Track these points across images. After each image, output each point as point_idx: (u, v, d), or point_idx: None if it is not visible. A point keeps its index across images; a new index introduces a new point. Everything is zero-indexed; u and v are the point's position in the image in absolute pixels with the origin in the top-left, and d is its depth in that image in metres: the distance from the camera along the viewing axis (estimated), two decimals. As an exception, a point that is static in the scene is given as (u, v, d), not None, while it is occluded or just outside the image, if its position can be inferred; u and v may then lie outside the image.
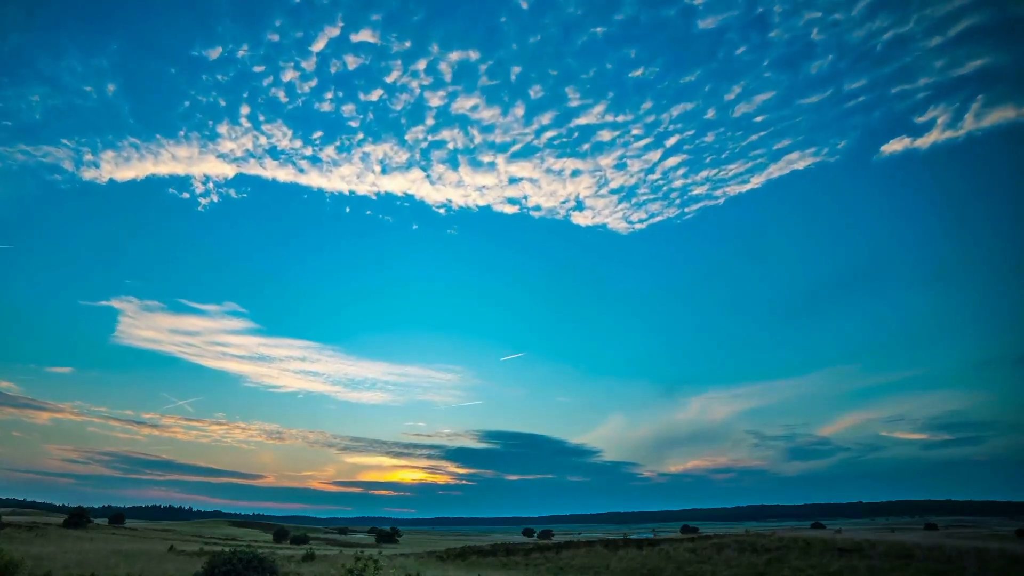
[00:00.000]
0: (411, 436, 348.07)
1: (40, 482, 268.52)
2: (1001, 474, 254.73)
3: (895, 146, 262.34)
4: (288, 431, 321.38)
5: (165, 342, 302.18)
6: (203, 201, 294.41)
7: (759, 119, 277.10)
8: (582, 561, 31.88)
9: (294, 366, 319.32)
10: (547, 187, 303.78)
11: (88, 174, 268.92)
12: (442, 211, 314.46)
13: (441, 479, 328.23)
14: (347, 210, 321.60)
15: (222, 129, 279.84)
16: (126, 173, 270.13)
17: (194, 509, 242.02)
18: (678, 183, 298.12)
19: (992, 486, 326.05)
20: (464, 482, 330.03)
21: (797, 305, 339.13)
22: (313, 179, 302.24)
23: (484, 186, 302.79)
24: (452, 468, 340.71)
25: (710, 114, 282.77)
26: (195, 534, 62.57)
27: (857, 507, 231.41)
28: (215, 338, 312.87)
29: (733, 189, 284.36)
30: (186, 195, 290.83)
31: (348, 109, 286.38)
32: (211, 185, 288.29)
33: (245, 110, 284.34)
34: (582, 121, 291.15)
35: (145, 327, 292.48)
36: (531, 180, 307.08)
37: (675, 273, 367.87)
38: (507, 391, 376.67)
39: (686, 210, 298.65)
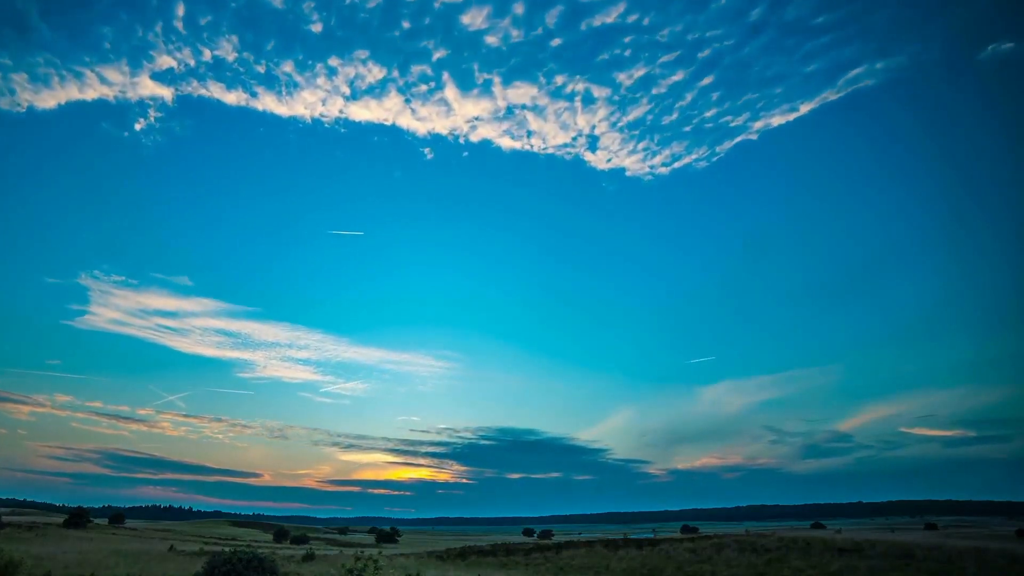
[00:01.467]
0: (406, 432, 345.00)
1: (29, 481, 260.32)
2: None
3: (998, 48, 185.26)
4: (282, 427, 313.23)
5: (138, 325, 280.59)
6: (146, 140, 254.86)
7: (819, 20, 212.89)
8: (582, 561, 31.87)
9: (281, 353, 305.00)
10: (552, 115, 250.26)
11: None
12: (428, 152, 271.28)
13: (440, 477, 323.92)
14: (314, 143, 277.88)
15: (154, 38, 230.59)
16: (46, 101, 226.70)
17: (193, 509, 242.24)
18: (711, 112, 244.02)
19: (1013, 486, 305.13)
20: (464, 480, 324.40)
21: (838, 278, 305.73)
22: (270, 104, 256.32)
23: (478, 116, 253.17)
24: (452, 466, 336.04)
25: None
26: (195, 534, 62.57)
27: (857, 507, 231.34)
28: (195, 323, 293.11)
29: (777, 119, 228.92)
30: (126, 133, 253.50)
31: (307, 6, 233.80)
32: (152, 117, 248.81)
33: (180, 10, 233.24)
34: (596, 22, 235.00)
35: (115, 308, 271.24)
36: (534, 109, 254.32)
37: (694, 233, 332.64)
38: (505, 381, 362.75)
39: (717, 148, 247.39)
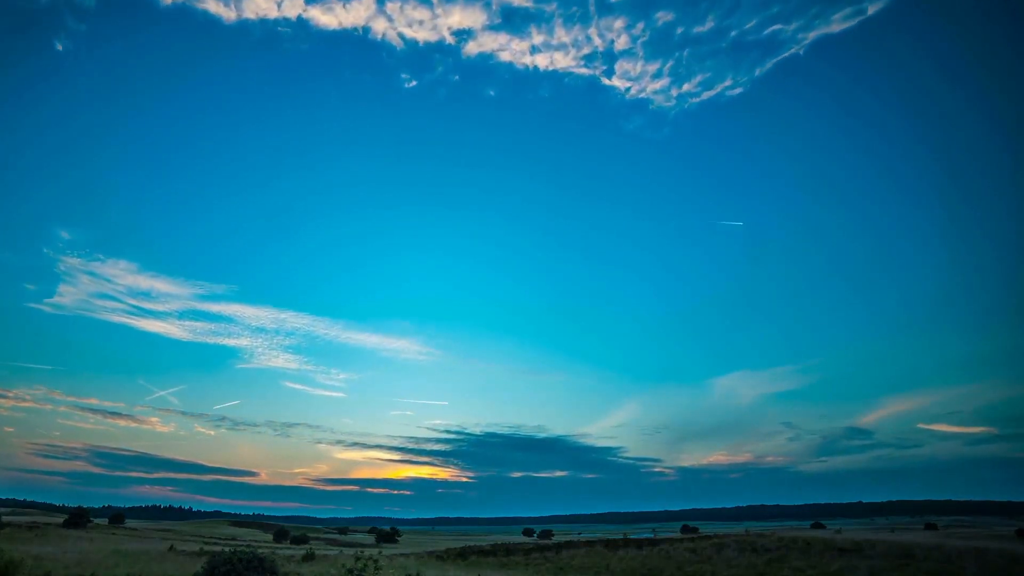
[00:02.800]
0: (405, 429, 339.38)
1: (24, 481, 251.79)
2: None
3: None
4: (276, 422, 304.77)
5: (111, 308, 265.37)
6: (59, 46, 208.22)
7: None
8: (582, 561, 31.88)
9: (269, 341, 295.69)
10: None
11: None
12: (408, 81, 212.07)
13: (439, 475, 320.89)
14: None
15: None
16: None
17: (193, 509, 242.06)
18: (752, 23, 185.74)
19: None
20: (463, 479, 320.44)
21: (867, 249, 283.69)
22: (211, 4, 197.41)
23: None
24: (452, 464, 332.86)
25: None
26: (195, 534, 62.59)
27: (857, 507, 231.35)
28: (172, 306, 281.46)
29: (837, 24, 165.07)
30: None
31: None
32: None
33: None
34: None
35: (82, 289, 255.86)
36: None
37: (713, 186, 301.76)
38: (506, 376, 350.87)
39: (757, 72, 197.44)
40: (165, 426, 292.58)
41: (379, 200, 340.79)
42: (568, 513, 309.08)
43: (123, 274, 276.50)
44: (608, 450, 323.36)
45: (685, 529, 79.68)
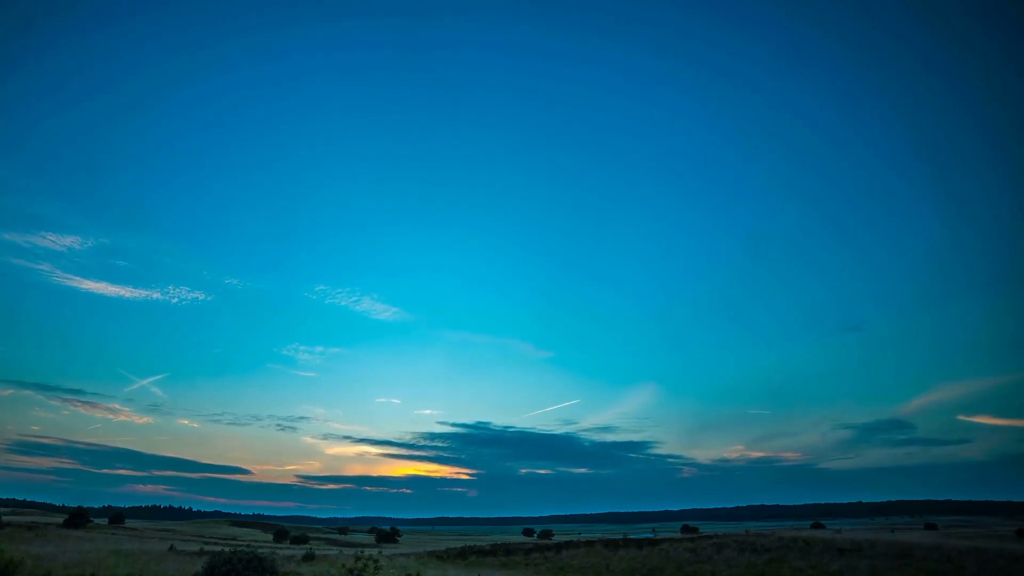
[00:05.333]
0: (407, 424, 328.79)
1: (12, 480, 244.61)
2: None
3: None
4: (267, 415, 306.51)
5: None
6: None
7: None
8: (582, 561, 31.89)
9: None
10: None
11: None
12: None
13: (438, 473, 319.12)
14: None
15: None
16: None
17: (193, 508, 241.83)
18: None
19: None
20: (463, 476, 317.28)
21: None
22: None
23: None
24: (452, 463, 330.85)
25: None
26: (195, 534, 62.60)
27: (857, 507, 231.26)
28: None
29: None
30: None
31: None
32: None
33: None
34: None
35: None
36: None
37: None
38: (505, 373, 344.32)
39: None
40: (143, 417, 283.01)
41: (373, 190, 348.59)
42: (568, 513, 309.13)
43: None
44: (633, 445, 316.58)
45: (685, 529, 79.65)
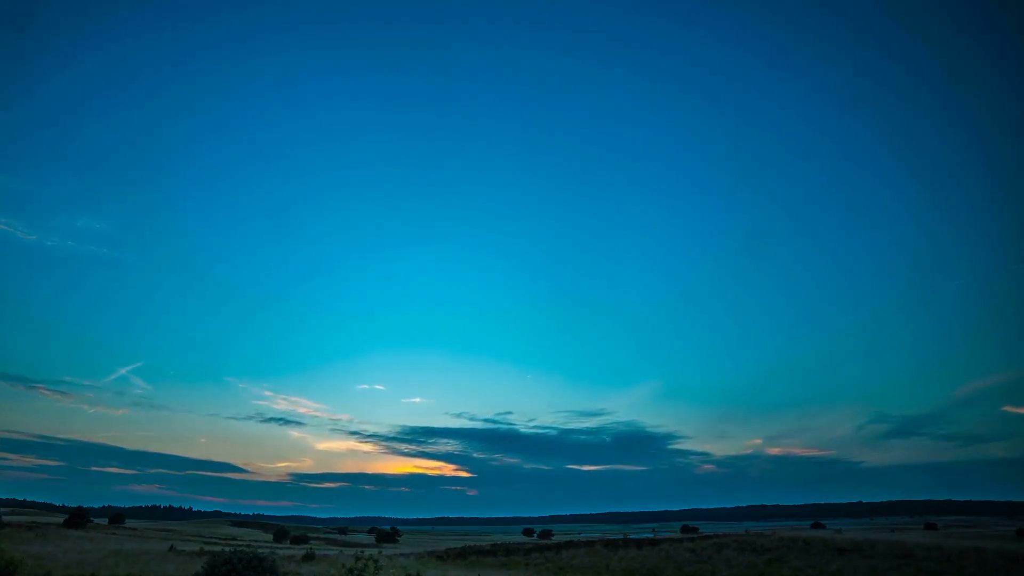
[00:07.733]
0: (405, 420, 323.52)
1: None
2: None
3: None
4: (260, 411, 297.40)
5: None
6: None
7: None
8: (582, 561, 31.89)
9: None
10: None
11: None
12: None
13: (437, 471, 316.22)
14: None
15: None
16: None
17: (193, 508, 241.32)
18: None
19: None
20: (463, 474, 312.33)
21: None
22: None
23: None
24: (451, 461, 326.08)
25: None
26: (195, 534, 62.57)
27: (857, 507, 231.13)
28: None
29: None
30: None
31: None
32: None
33: None
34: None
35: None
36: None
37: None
38: (506, 370, 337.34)
39: None
40: (127, 408, 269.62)
41: (367, 193, 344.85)
42: (568, 513, 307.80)
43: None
44: (633, 444, 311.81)
45: (685, 529, 79.63)
